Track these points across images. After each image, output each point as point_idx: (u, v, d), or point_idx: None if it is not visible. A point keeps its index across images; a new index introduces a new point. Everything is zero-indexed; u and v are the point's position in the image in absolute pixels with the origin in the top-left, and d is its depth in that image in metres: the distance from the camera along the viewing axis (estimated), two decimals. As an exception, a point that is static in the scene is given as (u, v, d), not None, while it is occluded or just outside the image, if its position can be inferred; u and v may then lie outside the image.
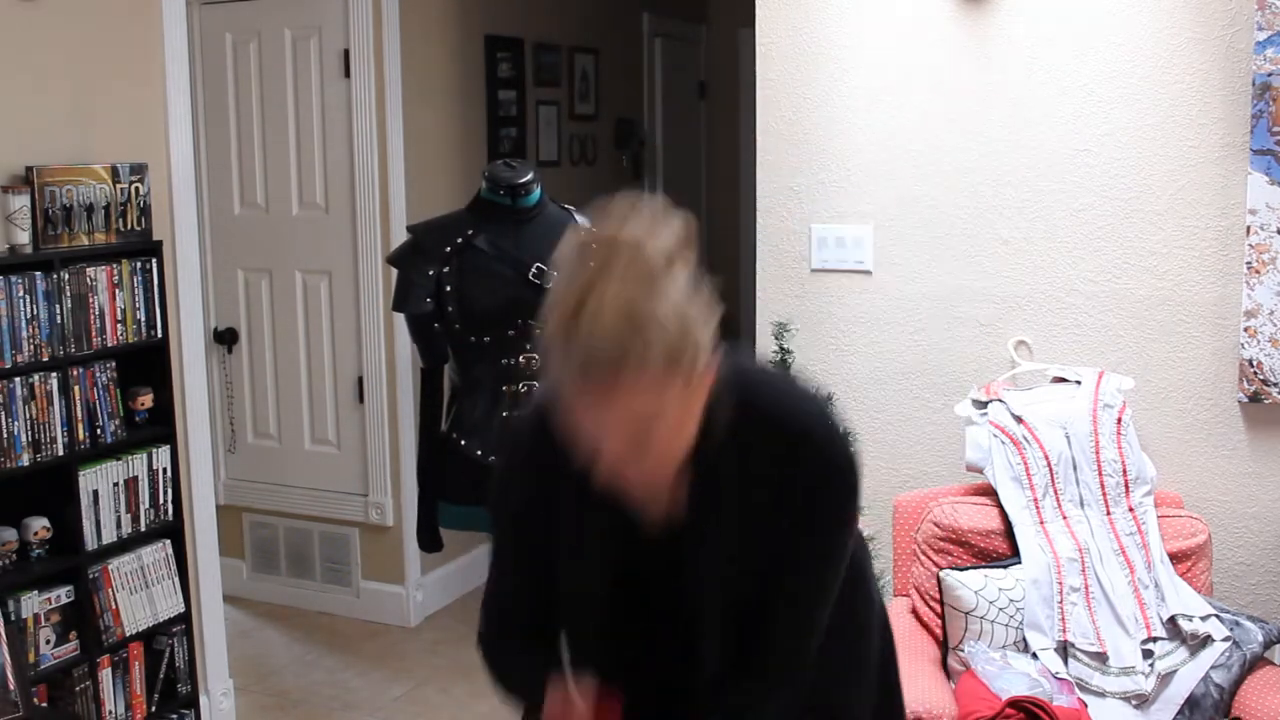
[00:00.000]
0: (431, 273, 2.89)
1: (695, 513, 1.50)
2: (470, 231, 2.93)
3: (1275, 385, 3.03)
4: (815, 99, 3.46)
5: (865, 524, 1.91)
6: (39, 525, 3.05)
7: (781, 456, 1.48)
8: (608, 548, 1.56)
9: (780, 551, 1.50)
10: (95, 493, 3.14)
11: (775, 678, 1.55)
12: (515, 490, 1.63)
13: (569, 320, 1.30)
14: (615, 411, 1.33)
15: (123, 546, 3.23)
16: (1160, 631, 2.78)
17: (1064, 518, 2.90)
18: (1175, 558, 2.91)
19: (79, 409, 3.09)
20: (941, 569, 2.85)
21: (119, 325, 3.20)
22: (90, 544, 3.13)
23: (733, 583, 1.53)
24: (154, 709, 3.35)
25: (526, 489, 1.60)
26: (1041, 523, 2.89)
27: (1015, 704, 2.53)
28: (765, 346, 3.49)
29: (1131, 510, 2.91)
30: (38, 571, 3.03)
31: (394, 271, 3.00)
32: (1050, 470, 2.92)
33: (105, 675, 3.19)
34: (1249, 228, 3.01)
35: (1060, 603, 2.79)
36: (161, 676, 3.36)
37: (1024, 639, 2.77)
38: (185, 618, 3.40)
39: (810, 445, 1.49)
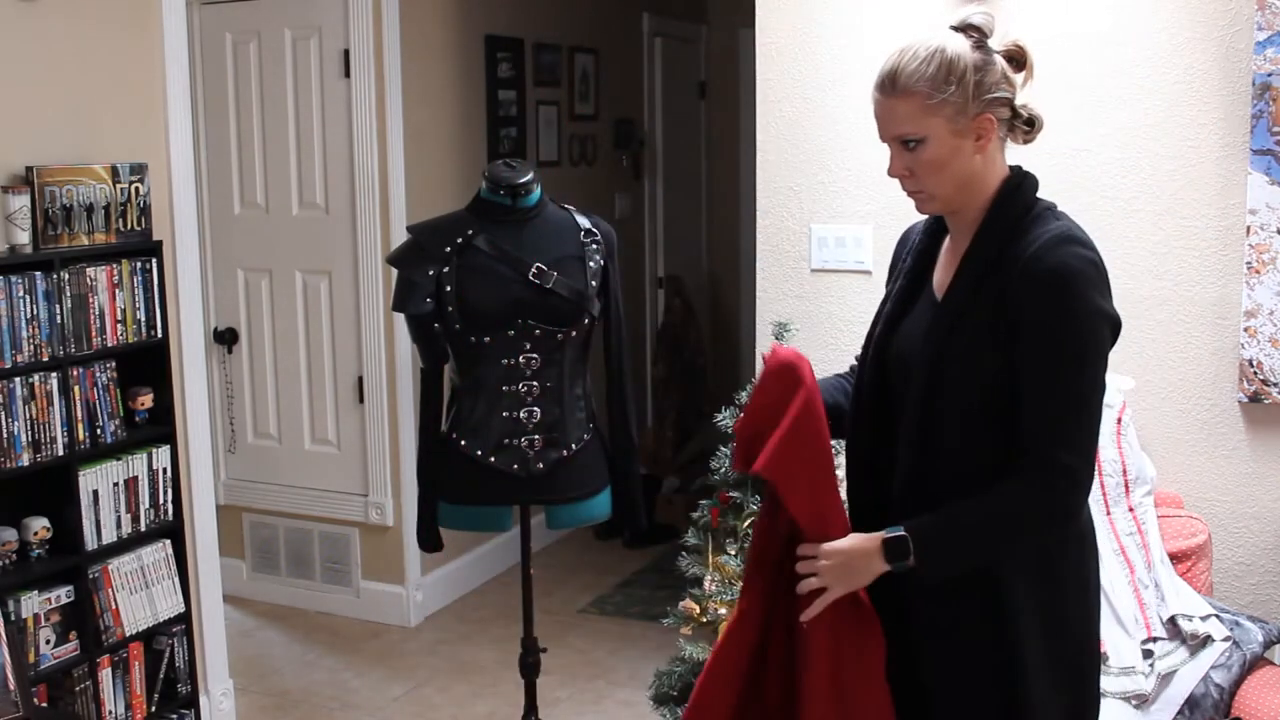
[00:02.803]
0: (432, 273, 2.89)
1: (958, 286, 1.83)
2: (470, 231, 2.93)
3: (1275, 385, 3.03)
4: (815, 99, 3.46)
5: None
6: (39, 525, 3.05)
7: (1025, 289, 1.76)
8: (894, 308, 1.96)
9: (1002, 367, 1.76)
10: (95, 493, 3.14)
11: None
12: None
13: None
14: (892, 118, 1.84)
15: (123, 546, 3.23)
16: (1160, 631, 2.78)
17: (1064, 518, 2.90)
18: (1175, 558, 2.91)
19: (79, 409, 3.09)
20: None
21: (119, 325, 3.19)
22: (90, 544, 3.13)
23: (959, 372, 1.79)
24: (154, 709, 3.34)
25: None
26: (1041, 523, 2.89)
27: None
28: (765, 347, 3.49)
29: (1131, 510, 2.91)
30: (38, 571, 3.04)
31: (394, 271, 3.00)
32: (1050, 470, 2.92)
33: (105, 675, 3.19)
34: (1249, 228, 3.01)
35: (1060, 603, 2.79)
36: (161, 676, 3.36)
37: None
38: (185, 618, 3.40)
39: (1048, 288, 1.76)
